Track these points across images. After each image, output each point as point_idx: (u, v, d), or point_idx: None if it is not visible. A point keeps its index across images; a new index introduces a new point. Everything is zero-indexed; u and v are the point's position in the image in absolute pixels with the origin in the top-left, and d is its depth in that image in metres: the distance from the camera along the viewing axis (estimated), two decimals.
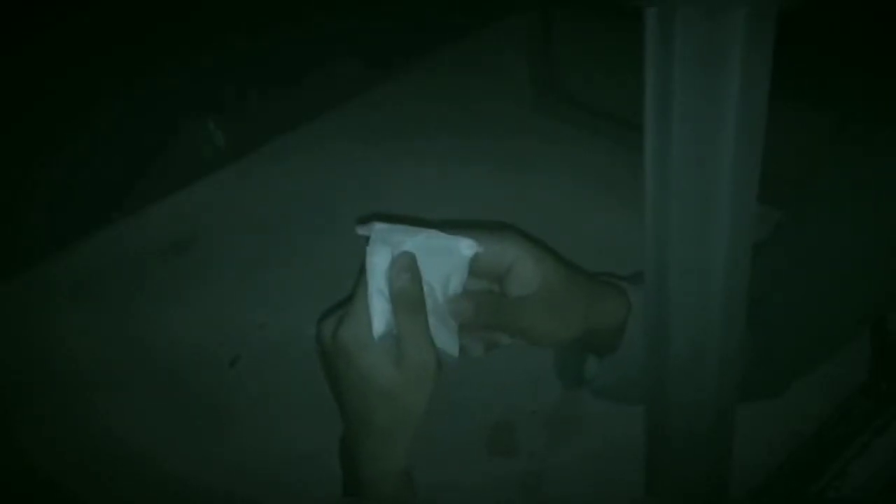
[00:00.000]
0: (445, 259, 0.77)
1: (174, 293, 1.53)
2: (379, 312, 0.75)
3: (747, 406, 0.80)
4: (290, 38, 1.98)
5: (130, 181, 1.78)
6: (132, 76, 1.84)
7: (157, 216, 1.69)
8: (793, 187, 0.89)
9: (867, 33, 1.34)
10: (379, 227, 0.77)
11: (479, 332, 0.78)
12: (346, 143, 1.80)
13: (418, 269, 0.75)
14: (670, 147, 0.59)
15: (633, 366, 0.77)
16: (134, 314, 1.50)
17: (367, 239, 0.77)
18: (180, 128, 1.94)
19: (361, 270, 0.77)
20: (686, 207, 0.62)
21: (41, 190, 1.75)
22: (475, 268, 0.78)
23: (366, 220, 0.78)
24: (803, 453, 1.19)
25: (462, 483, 1.18)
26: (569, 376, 0.87)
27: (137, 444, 1.28)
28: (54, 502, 1.21)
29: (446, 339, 0.77)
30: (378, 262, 0.76)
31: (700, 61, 0.54)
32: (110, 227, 1.67)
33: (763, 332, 0.83)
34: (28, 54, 1.76)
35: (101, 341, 1.45)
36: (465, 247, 0.77)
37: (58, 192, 1.73)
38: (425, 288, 0.75)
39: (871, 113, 0.85)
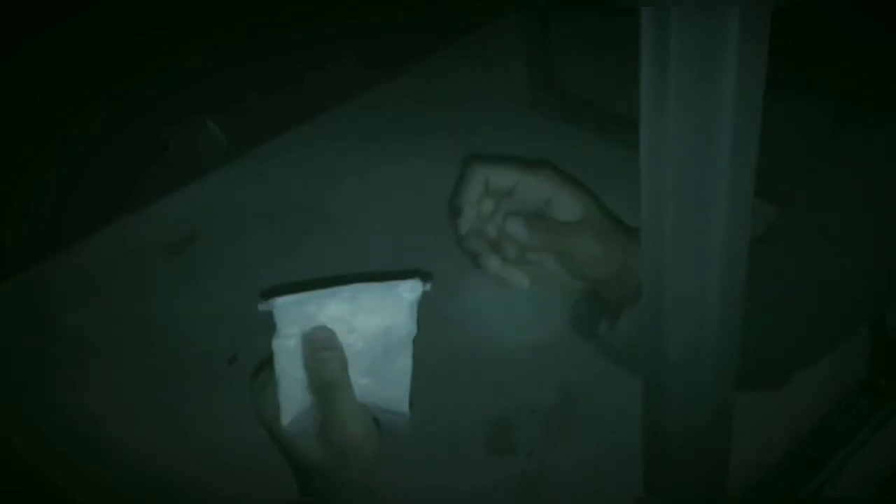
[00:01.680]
0: (382, 311, 0.71)
1: (173, 292, 1.53)
2: (288, 399, 0.70)
3: (745, 401, 0.80)
4: (290, 38, 1.98)
5: (130, 181, 1.78)
6: (132, 76, 1.84)
7: (157, 216, 1.70)
8: (791, 183, 0.89)
9: (867, 30, 1.34)
10: (282, 303, 0.70)
11: (524, 265, 0.78)
12: (345, 142, 1.80)
13: (335, 341, 0.70)
14: (666, 144, 0.59)
15: (642, 332, 0.77)
16: (133, 313, 1.50)
17: (271, 314, 0.71)
18: (180, 128, 1.94)
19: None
20: (682, 204, 0.62)
21: (42, 190, 1.75)
22: (514, 203, 0.77)
23: (267, 294, 0.71)
24: (802, 450, 1.19)
25: (460, 482, 1.19)
26: (582, 329, 0.88)
27: (135, 443, 1.28)
28: (47, 497, 1.22)
29: (392, 397, 0.72)
30: (284, 345, 0.70)
31: (695, 59, 0.55)
32: (110, 227, 1.67)
33: (761, 327, 0.83)
34: (28, 54, 1.76)
35: (100, 340, 1.45)
36: (407, 290, 0.71)
37: (58, 192, 1.74)
38: (361, 346, 0.70)
39: (871, 109, 0.85)
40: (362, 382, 0.72)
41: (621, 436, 0.96)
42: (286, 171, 1.76)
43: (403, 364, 0.73)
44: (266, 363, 0.73)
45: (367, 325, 0.71)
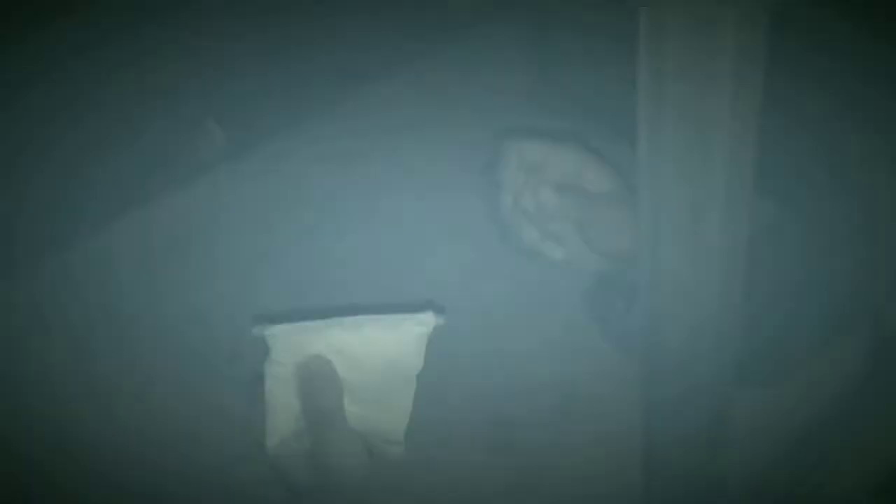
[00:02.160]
0: (388, 344, 0.69)
1: (172, 293, 1.53)
2: (275, 424, 0.70)
3: (745, 401, 0.80)
4: (289, 38, 1.98)
5: (130, 181, 1.78)
6: (131, 75, 1.84)
7: (156, 216, 1.70)
8: (790, 181, 0.90)
9: (867, 30, 1.34)
10: (274, 332, 0.70)
11: (555, 237, 0.78)
12: (345, 142, 1.80)
13: (331, 372, 0.69)
14: (664, 144, 0.59)
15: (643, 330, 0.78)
16: (131, 313, 1.50)
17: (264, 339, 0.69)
18: (180, 128, 1.94)
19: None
20: (681, 205, 0.62)
21: (39, 190, 1.75)
22: (546, 175, 0.78)
23: (264, 317, 0.71)
24: (802, 450, 1.19)
25: (460, 482, 1.18)
26: (595, 312, 0.88)
27: (134, 443, 1.28)
28: (46, 497, 1.22)
29: (388, 429, 0.71)
30: (276, 371, 0.69)
31: (693, 60, 0.55)
32: (109, 227, 1.67)
33: (760, 325, 0.83)
34: (28, 53, 1.76)
35: (98, 340, 1.45)
36: (418, 323, 0.69)
37: (56, 191, 1.74)
38: (361, 379, 0.69)
39: (870, 109, 0.85)
40: (358, 413, 0.70)
41: (621, 436, 0.96)
42: (285, 171, 1.76)
43: (405, 399, 0.72)
44: (261, 376, 0.73)
45: (368, 358, 0.69)
